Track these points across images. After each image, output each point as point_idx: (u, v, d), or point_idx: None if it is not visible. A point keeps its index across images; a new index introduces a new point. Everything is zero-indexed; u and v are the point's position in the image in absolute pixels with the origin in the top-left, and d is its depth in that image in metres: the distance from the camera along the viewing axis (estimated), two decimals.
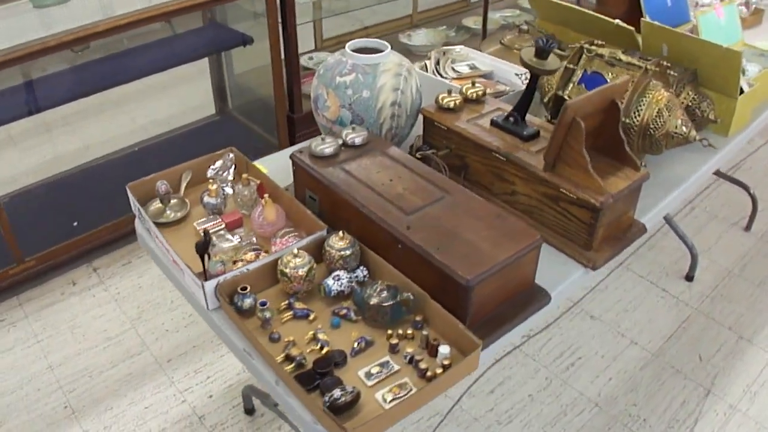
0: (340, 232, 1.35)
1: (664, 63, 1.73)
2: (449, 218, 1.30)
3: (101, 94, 3.31)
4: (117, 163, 3.16)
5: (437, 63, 1.96)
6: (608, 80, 1.68)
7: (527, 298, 1.31)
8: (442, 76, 1.94)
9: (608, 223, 1.44)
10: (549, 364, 2.32)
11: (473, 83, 1.69)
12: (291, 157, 1.53)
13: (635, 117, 1.63)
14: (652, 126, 1.63)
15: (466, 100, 1.67)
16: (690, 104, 1.85)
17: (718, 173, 2.97)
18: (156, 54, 2.96)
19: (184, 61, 2.99)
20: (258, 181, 1.57)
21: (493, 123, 1.59)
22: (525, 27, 2.13)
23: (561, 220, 1.45)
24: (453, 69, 1.96)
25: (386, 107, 1.61)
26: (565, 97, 1.70)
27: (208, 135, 3.34)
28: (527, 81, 1.57)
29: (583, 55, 1.74)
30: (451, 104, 1.63)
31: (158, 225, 1.55)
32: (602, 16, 2.12)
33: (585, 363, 2.33)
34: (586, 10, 2.15)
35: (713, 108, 1.86)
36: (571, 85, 1.73)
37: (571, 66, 1.72)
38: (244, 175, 1.58)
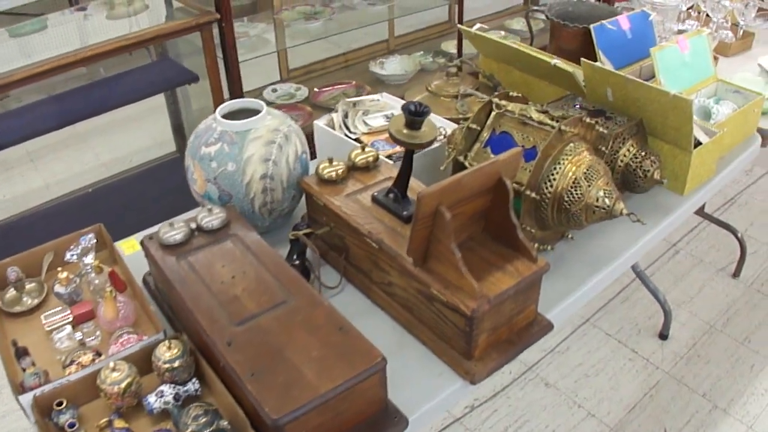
0: (167, 341, 1.17)
1: (588, 120, 1.50)
2: (281, 331, 1.10)
3: (70, 127, 3.19)
4: (67, 206, 3.02)
5: (345, 116, 1.76)
6: (517, 143, 1.46)
7: (376, 425, 1.11)
8: (351, 131, 1.74)
9: (493, 327, 1.22)
10: None
11: (363, 148, 1.49)
12: (141, 242, 1.35)
13: (547, 188, 1.40)
14: (566, 199, 1.39)
15: (354, 169, 1.47)
16: (630, 162, 1.62)
17: (703, 214, 2.69)
18: (99, 92, 2.83)
19: (131, 100, 2.85)
20: (110, 268, 1.40)
21: (374, 199, 1.38)
22: (453, 69, 1.91)
23: (438, 322, 1.24)
24: (365, 122, 1.76)
25: (255, 181, 1.42)
26: (467, 164, 1.48)
27: (165, 175, 3.18)
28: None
29: (492, 112, 1.52)
30: (333, 175, 1.43)
31: (11, 315, 1.40)
32: (541, 55, 1.90)
33: None
34: (524, 49, 1.93)
35: (659, 166, 1.62)
36: (476, 147, 1.51)
37: (475, 126, 1.50)
38: (95, 262, 1.40)
